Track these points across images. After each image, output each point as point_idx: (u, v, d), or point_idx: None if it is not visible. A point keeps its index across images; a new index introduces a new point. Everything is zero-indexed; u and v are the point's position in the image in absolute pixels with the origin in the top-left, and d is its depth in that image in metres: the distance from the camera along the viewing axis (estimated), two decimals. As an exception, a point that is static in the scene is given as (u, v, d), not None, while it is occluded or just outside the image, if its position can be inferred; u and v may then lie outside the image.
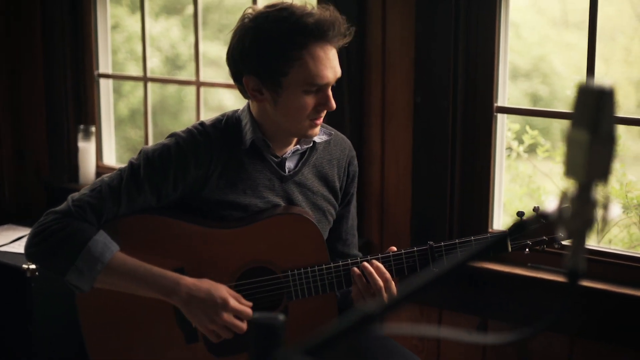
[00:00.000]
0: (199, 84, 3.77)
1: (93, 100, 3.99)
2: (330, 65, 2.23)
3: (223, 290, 2.24)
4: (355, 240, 2.60)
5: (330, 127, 2.49)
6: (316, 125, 2.29)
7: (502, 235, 2.35)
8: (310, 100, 2.24)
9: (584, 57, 2.84)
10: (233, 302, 2.23)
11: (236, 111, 2.40)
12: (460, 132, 3.00)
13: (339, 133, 2.54)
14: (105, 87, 4.03)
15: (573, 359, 2.91)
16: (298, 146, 2.39)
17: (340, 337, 1.13)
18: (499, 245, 2.33)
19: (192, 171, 2.28)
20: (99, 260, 2.21)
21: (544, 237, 2.39)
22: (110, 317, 2.37)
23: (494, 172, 3.01)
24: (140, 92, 3.94)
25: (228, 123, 2.35)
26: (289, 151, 2.38)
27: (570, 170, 1.12)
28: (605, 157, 1.11)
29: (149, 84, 3.94)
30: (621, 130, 3.80)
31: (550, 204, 1.13)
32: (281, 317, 1.23)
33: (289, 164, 2.40)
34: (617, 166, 3.75)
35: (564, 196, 1.12)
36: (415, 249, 2.34)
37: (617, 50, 4.22)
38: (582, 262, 1.17)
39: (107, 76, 4.00)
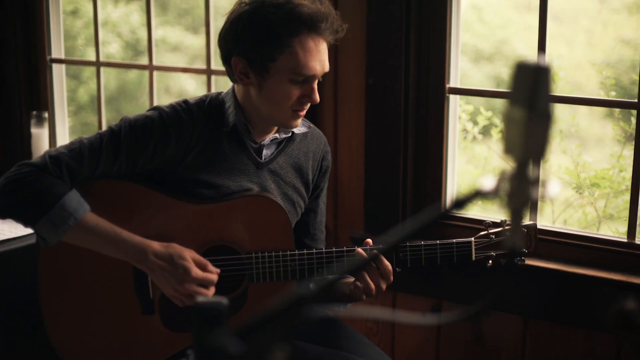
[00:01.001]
0: (152, 69, 3.73)
1: (46, 86, 3.93)
2: (319, 57, 2.26)
3: (186, 257, 2.23)
4: (322, 237, 2.62)
5: (308, 121, 2.51)
6: (299, 116, 2.31)
7: (467, 244, 2.41)
8: (295, 90, 2.26)
9: (548, 39, 2.85)
10: (195, 271, 2.22)
11: (220, 93, 2.42)
12: (412, 113, 3.00)
13: (316, 128, 2.57)
14: (59, 73, 3.97)
15: (527, 339, 2.92)
16: (277, 135, 2.41)
17: (274, 320, 1.13)
18: (463, 254, 2.38)
19: (172, 146, 2.29)
20: (72, 215, 2.20)
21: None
22: (69, 279, 2.37)
23: (446, 153, 3.02)
24: (102, 78, 3.91)
25: (211, 104, 2.37)
26: (267, 139, 2.40)
27: (509, 148, 1.12)
28: (541, 134, 1.10)
29: (108, 70, 3.90)
30: (583, 111, 3.82)
31: (488, 183, 1.13)
32: (225, 301, 1.22)
33: (266, 152, 2.42)
34: (573, 147, 3.78)
35: (502, 175, 1.11)
36: (380, 246, 2.36)
37: (579, 32, 4.23)
38: (521, 240, 1.16)
39: (60, 61, 3.95)
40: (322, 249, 2.42)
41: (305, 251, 2.35)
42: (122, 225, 2.27)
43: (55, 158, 2.24)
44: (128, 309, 2.35)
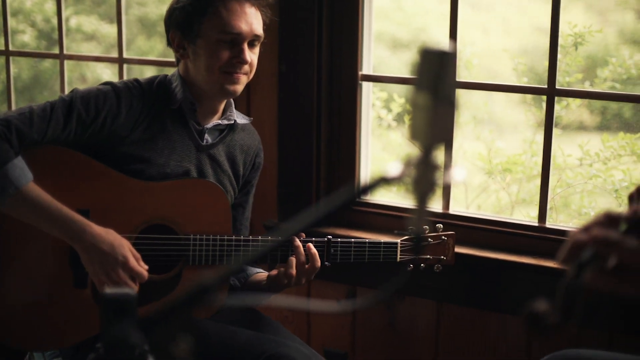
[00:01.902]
0: (63, 58, 3.66)
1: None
2: (245, 18, 2.33)
3: (126, 248, 2.24)
4: (246, 233, 2.64)
5: (248, 117, 2.58)
6: (233, 78, 2.35)
7: (394, 245, 2.44)
8: (223, 51, 2.32)
9: (462, 27, 2.88)
10: (133, 263, 2.23)
11: (167, 75, 2.47)
12: (325, 100, 3.00)
13: (252, 125, 2.63)
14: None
15: (440, 324, 2.95)
16: (220, 121, 2.46)
17: (178, 309, 1.11)
18: (389, 254, 2.42)
19: (121, 119, 2.31)
20: (13, 184, 2.17)
21: (429, 256, 2.52)
22: (5, 245, 2.33)
23: (360, 139, 3.03)
24: (11, 67, 3.82)
25: (160, 83, 2.42)
26: (211, 123, 2.45)
27: (414, 134, 1.12)
28: (446, 120, 1.10)
29: (21, 60, 3.81)
30: (498, 98, 3.87)
31: (394, 169, 1.12)
32: (133, 292, 1.20)
33: (208, 137, 2.46)
34: (487, 133, 3.82)
35: (408, 160, 1.11)
36: (313, 239, 2.40)
37: (495, 20, 4.28)
38: (425, 224, 1.16)
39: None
40: None
41: (242, 237, 2.38)
42: (63, 194, 2.25)
43: (5, 121, 2.21)
44: (60, 279, 2.33)
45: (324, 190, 3.05)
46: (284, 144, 3.05)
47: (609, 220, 1.37)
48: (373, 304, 1.06)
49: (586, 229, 1.34)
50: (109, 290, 1.21)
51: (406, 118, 3.77)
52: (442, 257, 2.54)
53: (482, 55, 3.93)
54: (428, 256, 2.52)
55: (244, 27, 2.32)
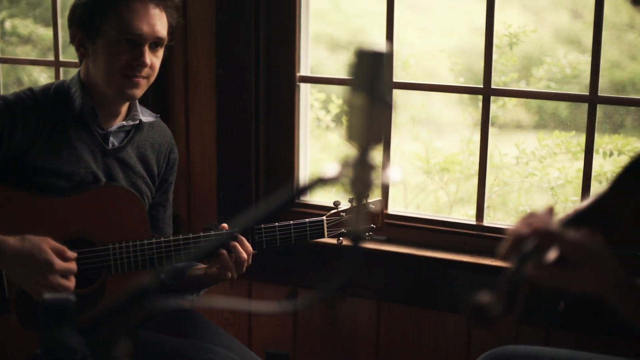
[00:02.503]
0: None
1: None
2: (147, 19, 2.26)
3: (46, 250, 2.14)
4: (170, 231, 2.60)
5: (154, 114, 2.50)
6: (133, 82, 2.27)
7: (319, 222, 2.44)
8: (123, 52, 2.25)
9: (400, 27, 2.90)
10: (58, 264, 2.15)
11: (65, 80, 2.39)
12: (263, 102, 3.00)
13: (162, 121, 2.55)
14: None
15: (381, 323, 2.97)
16: (124, 122, 2.39)
17: (118, 312, 1.10)
18: (316, 232, 2.41)
19: (18, 134, 2.24)
20: None
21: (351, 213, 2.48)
22: None
23: (298, 141, 3.03)
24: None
25: (57, 90, 2.34)
26: (115, 125, 2.37)
27: (351, 134, 1.12)
28: (382, 120, 1.11)
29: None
30: (436, 98, 3.89)
31: (331, 169, 1.13)
32: (72, 297, 1.19)
33: (113, 140, 2.39)
34: (425, 133, 3.85)
35: (345, 161, 1.12)
36: (236, 229, 2.35)
37: (432, 20, 4.31)
38: (364, 224, 1.17)
39: None
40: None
41: (162, 239, 2.33)
42: None
43: None
44: None
45: (264, 191, 3.05)
46: (222, 146, 3.04)
47: (548, 214, 1.40)
48: (314, 304, 1.07)
49: (527, 222, 1.37)
50: (47, 295, 1.20)
51: (344, 119, 3.78)
52: (372, 225, 2.52)
53: (419, 56, 3.96)
54: (343, 230, 2.47)
55: (145, 28, 2.25)
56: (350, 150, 1.12)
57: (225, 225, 2.35)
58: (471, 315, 1.21)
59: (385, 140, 1.12)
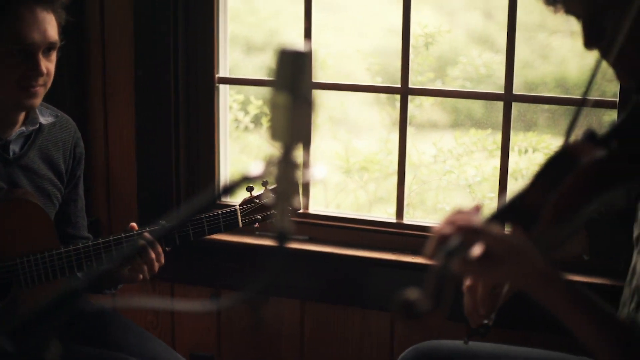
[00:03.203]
0: None
1: None
2: (37, 26, 2.15)
3: None
4: (85, 223, 2.55)
5: (56, 109, 2.42)
6: (31, 93, 2.18)
7: (233, 212, 2.41)
8: (16, 65, 2.15)
9: (316, 28, 2.91)
10: None
11: None
12: (182, 103, 2.99)
13: (64, 115, 2.46)
14: None
15: (305, 322, 2.98)
16: (23, 128, 2.30)
17: (46, 314, 1.09)
18: (230, 222, 2.38)
19: None
20: None
21: (274, 211, 2.45)
22: None
23: (218, 142, 3.03)
24: None
25: None
26: (13, 133, 2.28)
27: (274, 134, 1.13)
28: (304, 119, 1.12)
29: None
30: (353, 98, 3.92)
31: (256, 168, 1.14)
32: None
33: (14, 147, 2.31)
34: (343, 132, 3.88)
35: (269, 159, 1.13)
36: (146, 228, 2.33)
37: (347, 21, 4.34)
38: (289, 223, 1.18)
39: None
40: (87, 235, 2.38)
41: (71, 247, 2.28)
42: None
43: None
44: None
45: (185, 193, 3.04)
46: (142, 148, 3.02)
47: (474, 211, 1.44)
48: (237, 304, 1.07)
49: (452, 220, 1.40)
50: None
51: (264, 120, 3.79)
52: (274, 211, 2.48)
53: (336, 56, 3.99)
54: (258, 216, 2.43)
55: (36, 35, 2.14)
56: (272, 150, 1.13)
57: (134, 224, 2.32)
58: (400, 311, 1.22)
59: (308, 139, 1.12)
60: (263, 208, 2.42)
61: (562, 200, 1.37)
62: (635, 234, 1.69)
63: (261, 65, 4.13)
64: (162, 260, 2.30)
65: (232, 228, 2.41)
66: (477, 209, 1.46)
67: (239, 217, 2.39)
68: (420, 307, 1.21)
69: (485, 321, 1.84)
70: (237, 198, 2.44)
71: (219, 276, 3.01)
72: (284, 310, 3.00)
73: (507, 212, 1.40)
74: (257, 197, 2.43)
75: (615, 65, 1.56)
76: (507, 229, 1.42)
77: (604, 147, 1.42)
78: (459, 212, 1.44)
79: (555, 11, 1.59)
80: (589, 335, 1.44)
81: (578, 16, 1.57)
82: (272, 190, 2.44)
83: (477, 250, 1.35)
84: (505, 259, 1.35)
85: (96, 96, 3.06)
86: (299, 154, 1.12)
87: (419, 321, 1.22)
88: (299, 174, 1.13)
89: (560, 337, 1.52)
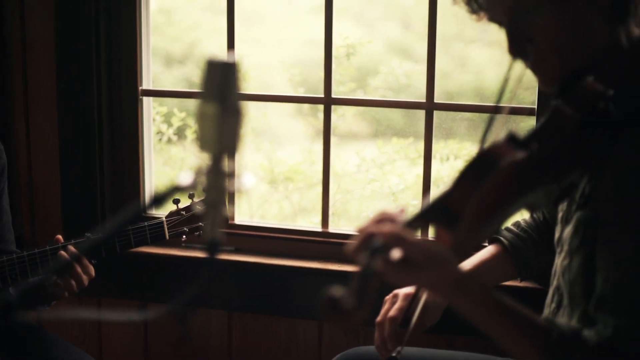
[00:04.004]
0: None
1: None
2: None
3: None
4: (12, 237, 2.53)
5: None
6: None
7: (159, 224, 2.41)
8: None
9: (237, 40, 2.92)
10: None
11: None
12: (106, 116, 2.98)
13: None
14: None
15: (232, 333, 2.99)
16: None
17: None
18: (156, 235, 2.37)
19: None
20: None
21: (201, 224, 2.47)
22: None
23: (142, 155, 3.02)
24: None
25: None
26: None
27: (203, 144, 1.14)
28: (233, 129, 1.14)
29: None
30: (276, 109, 3.94)
31: (185, 178, 1.14)
32: None
33: None
34: (266, 143, 3.90)
35: (198, 169, 1.14)
36: (72, 241, 2.32)
37: (266, 33, 4.36)
38: (220, 233, 1.19)
39: None
40: (13, 250, 2.37)
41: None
42: None
43: None
44: None
45: (110, 206, 3.02)
46: (66, 162, 2.99)
47: (399, 213, 1.47)
48: (165, 315, 1.07)
49: (376, 221, 1.43)
50: None
51: (188, 132, 3.79)
52: (200, 223, 2.53)
53: (258, 68, 4.00)
54: (185, 229, 2.47)
55: None
56: (197, 161, 1.14)
57: (59, 237, 2.31)
58: (325, 308, 1.25)
59: (236, 149, 1.14)
60: (190, 220, 2.44)
61: (484, 201, 1.41)
62: (556, 236, 1.75)
63: (181, 77, 4.13)
64: (92, 273, 2.29)
65: (159, 240, 2.41)
66: (402, 211, 1.49)
67: (166, 229, 2.40)
68: (344, 304, 1.24)
69: (394, 354, 1.91)
70: (164, 210, 2.45)
71: (147, 289, 3.00)
72: (211, 321, 3.00)
73: (431, 212, 1.44)
74: (184, 209, 2.44)
75: (537, 71, 1.62)
76: (432, 229, 1.46)
77: (524, 149, 1.47)
78: (384, 214, 1.48)
79: (478, 19, 1.64)
80: (507, 338, 1.49)
81: (501, 24, 1.62)
82: (199, 202, 2.46)
83: (397, 253, 1.38)
84: (423, 266, 1.39)
85: (18, 109, 3.02)
86: (227, 164, 1.13)
87: (343, 317, 1.24)
88: (227, 184, 1.14)
89: (484, 339, 1.56)
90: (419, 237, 1.42)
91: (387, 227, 1.40)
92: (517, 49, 1.59)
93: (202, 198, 2.37)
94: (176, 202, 2.43)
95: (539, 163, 1.48)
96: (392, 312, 1.94)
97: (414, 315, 1.91)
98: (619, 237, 1.46)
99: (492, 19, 1.63)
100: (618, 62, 1.59)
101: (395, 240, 1.39)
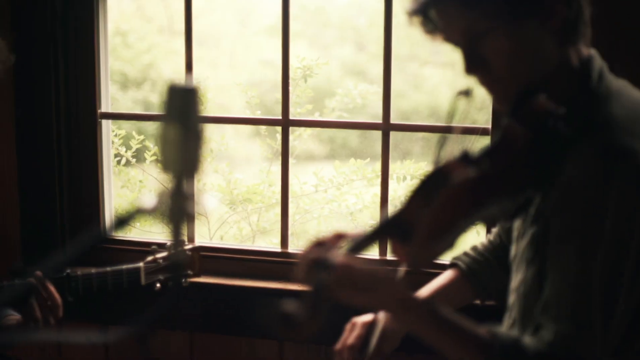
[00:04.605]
0: None
1: None
2: None
3: None
4: None
5: None
6: None
7: (136, 270, 2.44)
8: None
9: (194, 62, 2.95)
10: None
11: None
12: (65, 140, 2.98)
13: None
14: None
15: (194, 354, 2.99)
16: None
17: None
18: (133, 279, 2.40)
19: None
20: None
21: (174, 272, 2.52)
22: None
23: (102, 178, 3.02)
24: None
25: None
26: None
27: (165, 166, 1.16)
28: (194, 151, 1.16)
29: None
30: (230, 131, 3.96)
31: (148, 201, 1.16)
32: None
33: None
34: (224, 166, 3.91)
35: (161, 192, 1.15)
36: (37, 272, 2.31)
37: (221, 55, 4.38)
38: (183, 253, 1.21)
39: None
40: None
41: None
42: None
43: None
44: None
45: (69, 230, 3.01)
46: (25, 186, 2.98)
47: (335, 239, 1.52)
48: (125, 337, 1.09)
49: (318, 245, 1.48)
50: None
51: (147, 154, 3.79)
52: (189, 272, 2.57)
53: (215, 90, 4.03)
54: (160, 277, 2.50)
55: None
56: (161, 183, 1.16)
57: (39, 272, 2.31)
58: (278, 322, 1.27)
59: (198, 170, 1.16)
60: (166, 269, 2.47)
61: (436, 216, 1.45)
62: (511, 254, 1.79)
63: (137, 100, 4.14)
64: (59, 312, 2.28)
65: (134, 285, 2.45)
66: (338, 236, 1.54)
67: (142, 276, 2.44)
68: (297, 318, 1.26)
69: None
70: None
71: (107, 312, 2.99)
72: (173, 343, 3.00)
73: (387, 227, 1.47)
74: (162, 258, 2.47)
75: (491, 91, 1.67)
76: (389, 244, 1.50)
77: (476, 166, 1.51)
78: (323, 241, 1.53)
79: (433, 39, 1.68)
80: (453, 352, 1.53)
81: (456, 44, 1.67)
82: (176, 252, 2.50)
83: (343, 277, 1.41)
84: (368, 288, 1.43)
85: (-25, 134, 3.01)
86: (189, 186, 1.16)
87: (295, 330, 1.27)
88: (190, 205, 1.16)
89: (444, 358, 1.60)
90: (362, 261, 1.46)
91: (327, 258, 1.44)
92: (472, 69, 1.64)
93: (180, 249, 2.40)
94: (154, 251, 2.48)
95: (491, 180, 1.52)
96: (350, 340, 1.99)
97: (372, 343, 1.95)
98: (562, 246, 1.52)
99: (447, 39, 1.68)
100: (568, 80, 1.64)
101: (340, 266, 1.43)
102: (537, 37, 1.61)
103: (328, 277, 1.34)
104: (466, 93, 1.59)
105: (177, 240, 1.21)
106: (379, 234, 1.47)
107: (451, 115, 1.51)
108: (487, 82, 1.65)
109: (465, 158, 1.53)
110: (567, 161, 1.52)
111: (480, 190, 1.51)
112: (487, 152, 1.55)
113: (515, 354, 1.49)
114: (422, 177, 1.49)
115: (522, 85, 1.62)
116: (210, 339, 2.97)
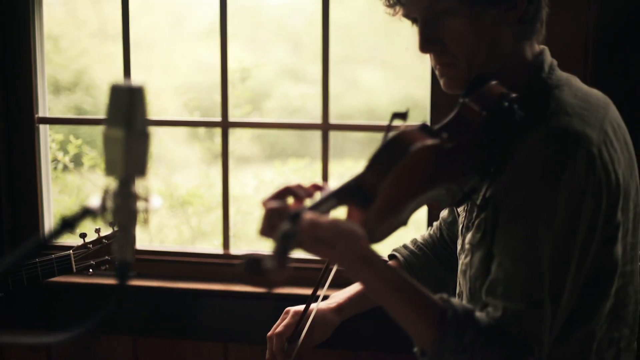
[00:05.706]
0: None
1: None
2: None
3: None
4: None
5: None
6: None
7: (66, 257, 2.42)
8: None
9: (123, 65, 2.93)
10: None
11: None
12: (2, 145, 2.94)
13: None
14: None
15: (138, 357, 2.97)
16: None
17: None
18: (63, 267, 2.38)
19: None
20: None
21: (107, 257, 2.51)
22: None
23: (40, 183, 2.99)
24: None
25: None
26: None
27: (110, 168, 1.15)
28: (141, 152, 1.16)
29: None
30: (167, 135, 3.95)
31: (94, 201, 1.16)
32: None
33: None
34: (162, 169, 3.90)
35: (106, 193, 1.15)
36: None
37: (156, 59, 4.35)
38: (131, 254, 1.21)
39: None
40: None
41: None
42: None
43: None
44: None
45: (8, 235, 2.97)
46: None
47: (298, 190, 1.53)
48: (67, 342, 1.08)
49: (279, 195, 1.49)
50: None
51: (85, 159, 3.76)
52: (107, 257, 2.55)
53: (151, 93, 4.00)
54: (92, 262, 2.51)
55: None
56: (103, 185, 1.16)
57: None
58: (246, 267, 1.27)
59: (144, 171, 1.17)
60: (97, 253, 2.46)
61: (395, 184, 1.46)
62: (458, 247, 1.83)
63: (70, 105, 4.09)
64: None
65: (66, 273, 2.43)
66: (316, 187, 1.55)
67: (73, 263, 2.42)
68: (264, 264, 1.26)
69: None
70: (72, 237, 2.45)
71: (51, 318, 2.96)
72: (117, 347, 2.98)
73: (344, 192, 1.47)
74: (91, 242, 2.46)
75: (443, 72, 1.71)
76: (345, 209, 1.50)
77: (434, 136, 1.54)
78: (290, 188, 1.54)
79: (394, 14, 1.72)
80: (406, 314, 1.54)
81: (415, 21, 1.71)
82: (106, 236, 2.49)
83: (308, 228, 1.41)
84: (333, 242, 1.43)
85: None
86: (137, 186, 1.16)
87: (262, 277, 1.27)
88: (137, 205, 1.16)
89: (387, 354, 1.61)
90: (329, 217, 1.46)
91: (298, 211, 1.43)
92: (428, 46, 1.68)
93: (109, 232, 2.40)
94: (83, 236, 2.46)
95: (447, 154, 1.55)
96: (279, 328, 2.01)
97: (302, 332, 1.97)
98: (514, 225, 1.56)
99: (407, 15, 1.72)
100: (522, 71, 1.71)
101: (306, 218, 1.42)
102: (495, 26, 1.67)
103: (294, 228, 1.34)
104: (402, 116, 1.62)
105: (125, 242, 1.20)
106: (339, 195, 1.47)
107: (387, 136, 1.53)
108: (441, 61, 1.70)
109: (424, 128, 1.56)
110: (521, 143, 1.57)
111: (436, 163, 1.54)
112: (444, 126, 1.59)
113: (467, 323, 1.51)
114: (381, 144, 1.49)
115: (476, 70, 1.67)
116: (154, 343, 2.96)
